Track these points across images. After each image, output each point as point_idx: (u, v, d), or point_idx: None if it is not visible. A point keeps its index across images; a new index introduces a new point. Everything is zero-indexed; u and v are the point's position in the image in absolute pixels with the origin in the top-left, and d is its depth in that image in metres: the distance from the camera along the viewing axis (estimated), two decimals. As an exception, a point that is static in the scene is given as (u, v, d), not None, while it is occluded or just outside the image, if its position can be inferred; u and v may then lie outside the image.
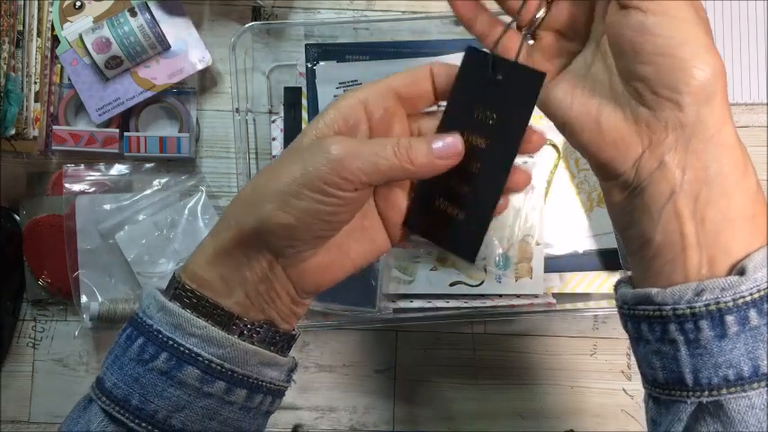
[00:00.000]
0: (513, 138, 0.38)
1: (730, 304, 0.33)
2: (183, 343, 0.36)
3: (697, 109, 0.34)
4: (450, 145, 0.37)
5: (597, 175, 0.39)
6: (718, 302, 0.33)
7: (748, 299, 0.33)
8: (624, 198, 0.37)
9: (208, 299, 0.37)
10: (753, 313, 0.33)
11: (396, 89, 0.38)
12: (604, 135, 0.36)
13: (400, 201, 0.41)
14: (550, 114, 0.39)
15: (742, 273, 0.34)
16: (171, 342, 0.36)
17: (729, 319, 0.33)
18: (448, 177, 0.38)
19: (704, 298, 0.34)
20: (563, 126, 0.39)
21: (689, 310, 0.34)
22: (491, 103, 0.38)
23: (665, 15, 0.34)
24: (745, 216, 0.34)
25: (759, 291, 0.33)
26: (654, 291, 0.35)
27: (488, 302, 0.68)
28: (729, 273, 0.34)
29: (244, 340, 0.38)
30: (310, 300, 0.41)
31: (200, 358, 0.36)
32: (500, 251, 0.69)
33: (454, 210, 0.40)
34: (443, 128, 0.39)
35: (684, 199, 0.35)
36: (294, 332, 0.41)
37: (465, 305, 0.68)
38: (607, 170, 0.37)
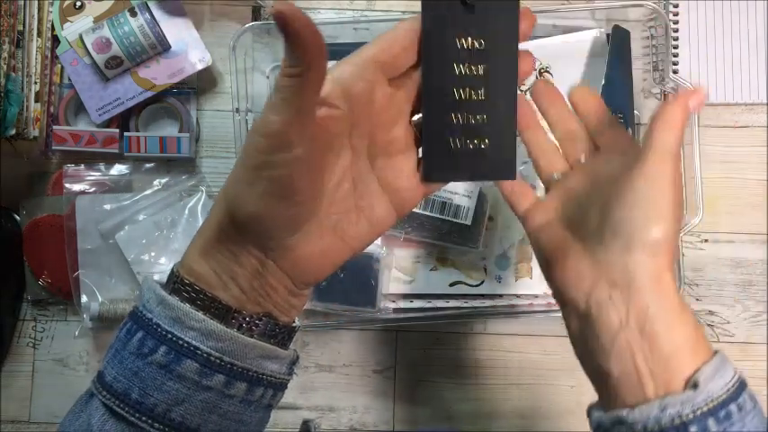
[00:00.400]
0: (511, 53, 0.38)
1: (690, 416, 0.37)
2: (182, 336, 0.36)
3: (644, 258, 0.40)
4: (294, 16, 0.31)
5: (555, 298, 0.45)
6: (680, 416, 0.38)
7: (705, 409, 0.38)
8: (579, 325, 0.42)
9: (205, 292, 0.37)
10: (711, 421, 0.38)
11: (373, 57, 0.37)
12: (566, 265, 0.43)
13: (404, 164, 0.40)
14: (531, 239, 0.47)
15: (695, 386, 0.38)
16: (170, 335, 0.36)
17: (693, 429, 0.37)
18: (453, 116, 0.38)
19: (668, 413, 0.38)
20: (537, 251, 0.46)
21: (657, 425, 0.38)
22: (473, 29, 0.38)
23: (651, 177, 0.40)
24: (689, 344, 0.40)
25: (713, 400, 0.38)
26: (624, 412, 0.39)
27: (488, 302, 0.68)
28: (685, 386, 0.39)
29: (243, 333, 0.37)
30: (309, 290, 0.40)
31: (199, 351, 0.36)
32: (500, 251, 0.69)
33: (475, 142, 0.39)
34: (426, 68, 0.38)
35: (631, 332, 0.39)
36: (294, 324, 0.41)
37: (465, 305, 0.68)
38: (562, 295, 0.43)
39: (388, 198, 0.40)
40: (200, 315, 0.37)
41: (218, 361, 0.37)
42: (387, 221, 0.40)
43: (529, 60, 0.40)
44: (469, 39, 0.38)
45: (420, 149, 0.40)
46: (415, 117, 0.40)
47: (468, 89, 0.38)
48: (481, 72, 0.38)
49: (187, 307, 0.37)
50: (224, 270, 0.37)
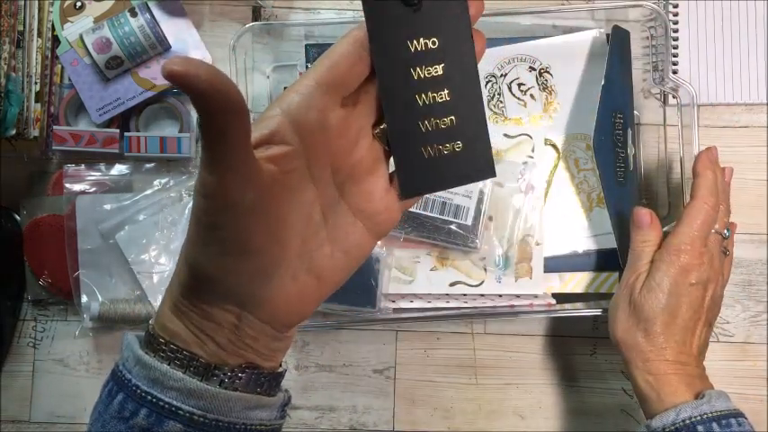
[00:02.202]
0: (466, 43, 0.36)
1: (698, 418, 0.52)
2: (162, 397, 0.35)
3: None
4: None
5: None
6: (691, 418, 0.52)
7: (710, 415, 0.52)
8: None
9: (183, 350, 0.35)
10: (714, 425, 0.52)
11: (319, 81, 0.34)
12: None
13: (375, 185, 0.37)
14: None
15: (703, 398, 0.53)
16: (150, 397, 0.35)
17: (700, 428, 0.52)
18: (421, 125, 0.36)
19: (681, 416, 0.52)
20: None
21: (673, 426, 0.52)
22: (423, 28, 0.35)
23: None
24: (700, 378, 0.57)
25: (718, 411, 0.52)
26: (648, 422, 0.54)
27: (488, 302, 0.68)
28: (696, 398, 0.54)
29: (226, 388, 0.35)
30: (294, 330, 0.38)
31: (181, 412, 0.34)
32: (500, 251, 0.69)
33: (449, 146, 0.37)
34: (382, 80, 0.35)
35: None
36: (280, 369, 0.39)
37: (465, 305, 0.68)
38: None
39: (362, 224, 0.37)
40: (178, 374, 0.35)
41: (201, 419, 0.35)
42: (364, 248, 0.38)
43: (482, 39, 0.36)
44: (421, 39, 0.35)
45: (390, 161, 0.38)
46: (378, 128, 0.37)
47: (430, 93, 0.36)
48: (440, 71, 0.36)
49: (165, 366, 0.35)
50: (198, 329, 0.36)
